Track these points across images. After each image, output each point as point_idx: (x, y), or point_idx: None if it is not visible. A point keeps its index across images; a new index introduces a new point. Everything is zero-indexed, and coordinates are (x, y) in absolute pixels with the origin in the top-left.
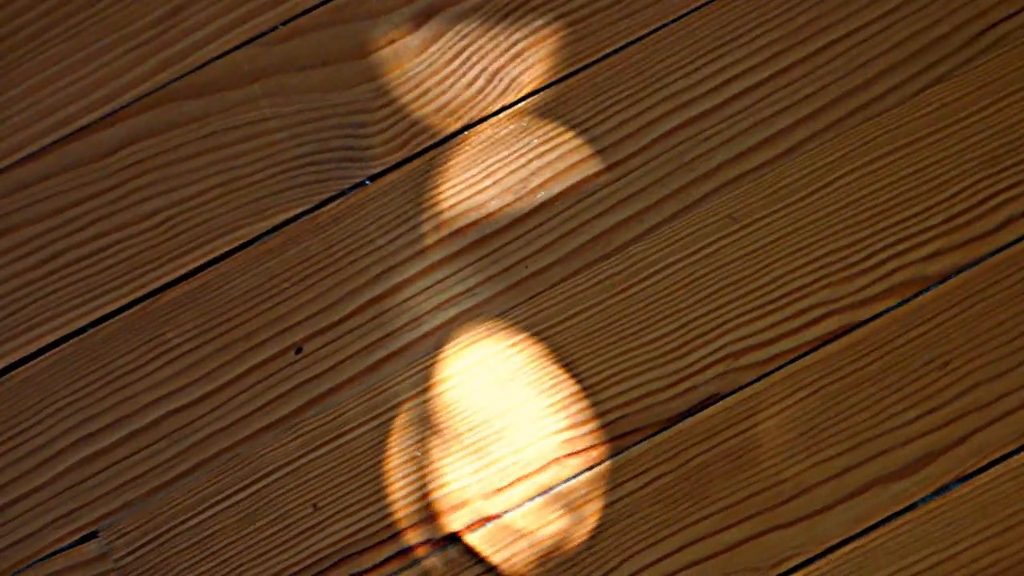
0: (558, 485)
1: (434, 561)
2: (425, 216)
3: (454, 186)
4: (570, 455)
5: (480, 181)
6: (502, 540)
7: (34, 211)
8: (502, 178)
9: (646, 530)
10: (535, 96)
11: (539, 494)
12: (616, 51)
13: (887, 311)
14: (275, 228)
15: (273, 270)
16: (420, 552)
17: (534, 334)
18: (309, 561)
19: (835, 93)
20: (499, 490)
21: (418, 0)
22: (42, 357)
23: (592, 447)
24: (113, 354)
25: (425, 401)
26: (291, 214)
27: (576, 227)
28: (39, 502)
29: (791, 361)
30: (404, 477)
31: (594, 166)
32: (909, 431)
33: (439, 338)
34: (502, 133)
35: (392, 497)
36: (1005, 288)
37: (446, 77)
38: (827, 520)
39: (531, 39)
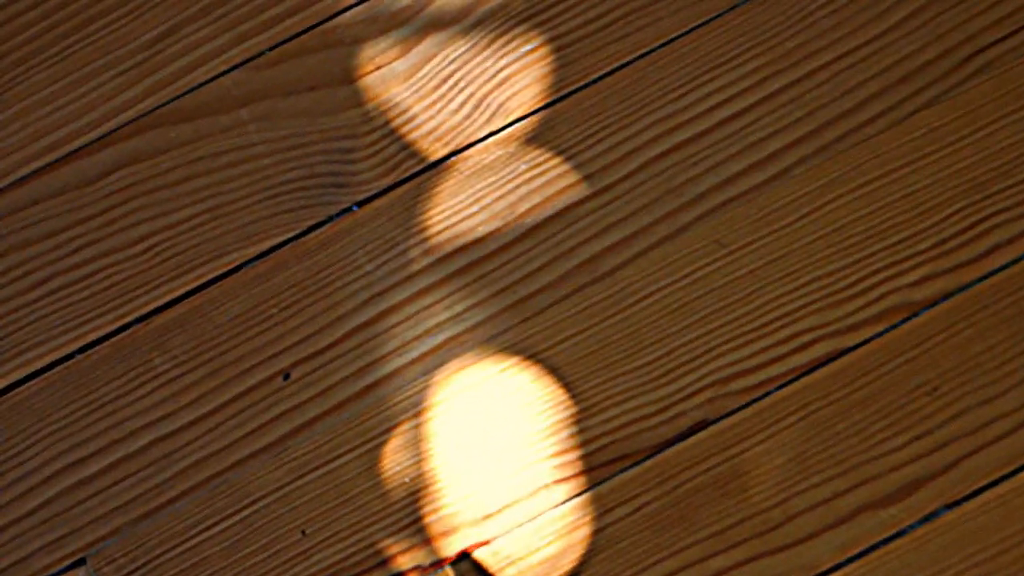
0: (547, 511)
1: None
2: (413, 242)
3: (442, 212)
4: (559, 481)
5: (468, 207)
6: (492, 566)
7: (23, 236)
8: (490, 204)
9: (635, 556)
10: (522, 122)
11: (528, 520)
12: (603, 76)
13: (875, 337)
14: (263, 254)
15: (261, 296)
16: None
17: (523, 360)
18: None
19: (823, 118)
20: (488, 516)
21: (405, 25)
22: (31, 383)
23: (581, 473)
24: (101, 380)
25: (414, 427)
26: (279, 240)
27: (564, 252)
28: (27, 528)
29: (779, 387)
30: (393, 503)
31: (582, 191)
32: (898, 457)
33: (428, 364)
34: (489, 159)
35: (381, 523)
36: (993, 314)
37: (433, 103)
38: (815, 547)
39: (518, 65)
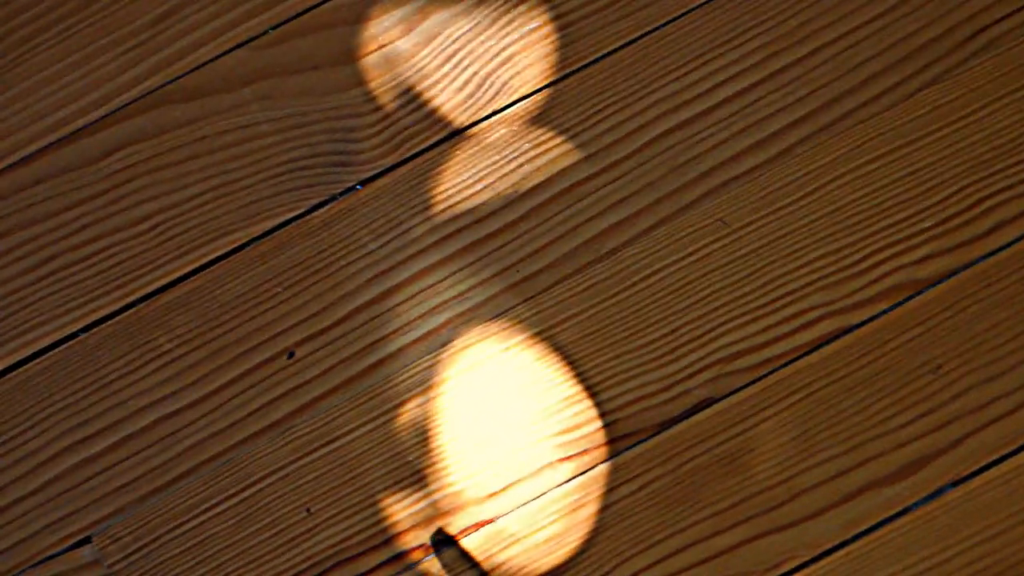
0: (552, 489)
1: (428, 566)
2: (416, 220)
3: (445, 190)
4: (564, 459)
5: (471, 185)
6: (496, 544)
7: (26, 215)
8: (493, 182)
9: (640, 534)
10: (526, 100)
11: (533, 499)
12: (607, 55)
13: (880, 315)
14: (267, 233)
15: (265, 275)
16: (414, 557)
17: (526, 338)
18: (303, 566)
19: (827, 96)
20: (493, 494)
21: (409, 4)
22: (35, 362)
23: (586, 451)
24: (105, 359)
25: (418, 405)
26: (283, 219)
27: (567, 231)
28: (32, 507)
29: (783, 365)
30: (398, 482)
31: (585, 170)
32: (902, 435)
33: (431, 342)
34: (493, 137)
35: (386, 502)
36: (997, 291)
37: (436, 81)
38: (820, 524)
39: (521, 43)
